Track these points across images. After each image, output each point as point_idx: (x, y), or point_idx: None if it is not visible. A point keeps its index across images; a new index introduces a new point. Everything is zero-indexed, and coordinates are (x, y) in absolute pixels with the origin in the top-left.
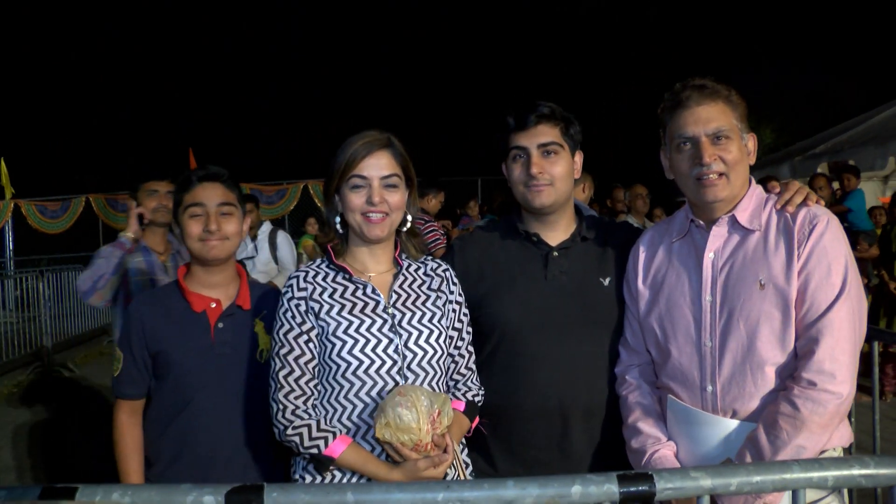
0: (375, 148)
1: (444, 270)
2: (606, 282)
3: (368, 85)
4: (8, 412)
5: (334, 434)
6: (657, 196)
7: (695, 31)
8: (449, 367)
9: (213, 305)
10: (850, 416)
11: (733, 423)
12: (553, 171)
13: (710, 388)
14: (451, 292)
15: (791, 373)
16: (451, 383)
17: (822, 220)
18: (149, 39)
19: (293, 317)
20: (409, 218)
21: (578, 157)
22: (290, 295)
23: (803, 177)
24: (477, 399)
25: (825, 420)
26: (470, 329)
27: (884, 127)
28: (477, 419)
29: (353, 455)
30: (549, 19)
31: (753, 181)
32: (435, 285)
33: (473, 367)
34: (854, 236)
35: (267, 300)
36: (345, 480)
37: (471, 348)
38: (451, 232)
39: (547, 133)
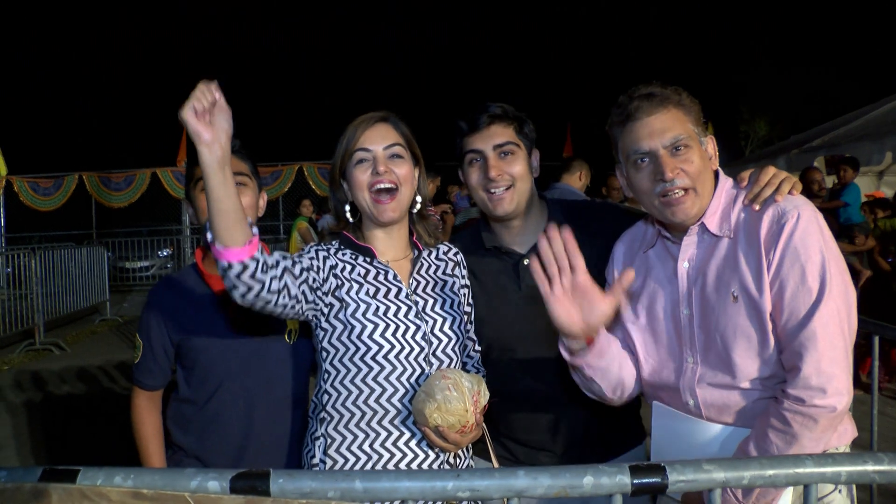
0: (374, 122)
1: (454, 254)
2: None
3: (364, 67)
4: None
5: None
6: None
7: (692, 22)
8: (462, 352)
9: None
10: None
11: (721, 429)
12: (512, 171)
13: (691, 401)
14: (463, 276)
15: (779, 381)
16: (461, 366)
17: (791, 216)
18: (144, 18)
19: (312, 258)
20: (420, 199)
21: (535, 157)
22: (312, 254)
23: (799, 170)
24: (485, 379)
25: (817, 433)
26: (473, 313)
27: (881, 122)
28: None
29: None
30: (549, 8)
31: (721, 177)
32: (449, 270)
33: (479, 349)
34: (849, 230)
35: None
36: (379, 462)
37: (474, 334)
38: (447, 218)
39: (501, 133)
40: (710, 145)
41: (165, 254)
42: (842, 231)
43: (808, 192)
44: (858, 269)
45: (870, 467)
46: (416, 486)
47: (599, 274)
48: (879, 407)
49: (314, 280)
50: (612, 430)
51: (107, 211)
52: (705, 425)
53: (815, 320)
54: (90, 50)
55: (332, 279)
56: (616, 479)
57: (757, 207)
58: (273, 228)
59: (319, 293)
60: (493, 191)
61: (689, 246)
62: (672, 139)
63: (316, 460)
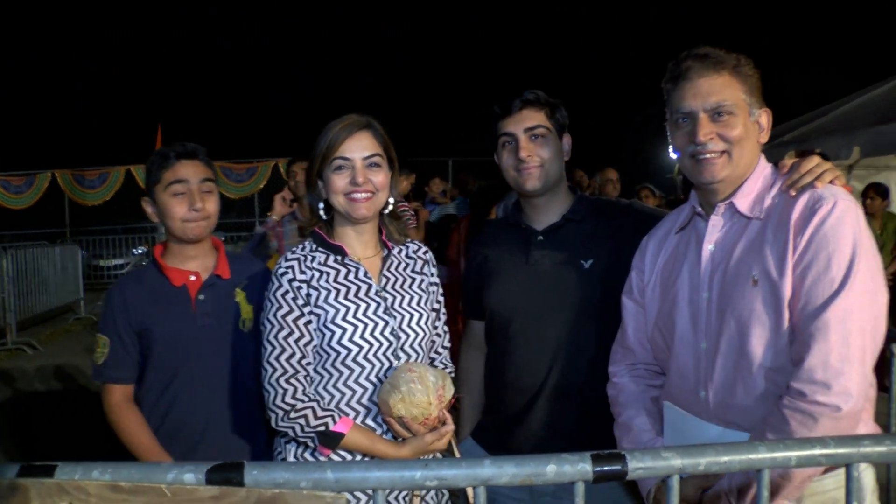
0: (356, 129)
1: (424, 252)
2: (587, 264)
3: (339, 64)
4: None
5: (335, 415)
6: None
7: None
8: (429, 348)
9: (193, 278)
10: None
11: (724, 432)
12: (541, 154)
13: (702, 393)
14: (431, 274)
15: (787, 379)
16: (428, 361)
17: (827, 203)
18: (118, 14)
19: (294, 298)
20: (392, 200)
21: (566, 140)
22: (290, 276)
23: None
24: (452, 375)
25: (817, 435)
26: (444, 310)
27: (850, 118)
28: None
29: (359, 435)
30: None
31: (763, 160)
32: (417, 268)
33: (448, 345)
34: None
35: (246, 269)
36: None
37: (445, 328)
38: (420, 213)
39: (532, 117)
40: (764, 117)
41: (140, 251)
42: None
43: None
44: None
45: (817, 451)
46: (385, 476)
47: (622, 266)
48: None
49: (310, 314)
50: (606, 427)
51: (81, 209)
52: (710, 427)
53: (831, 311)
54: (65, 47)
55: (311, 293)
56: (578, 467)
57: (794, 193)
58: (248, 226)
59: (312, 314)
60: (522, 169)
61: (716, 227)
62: (715, 104)
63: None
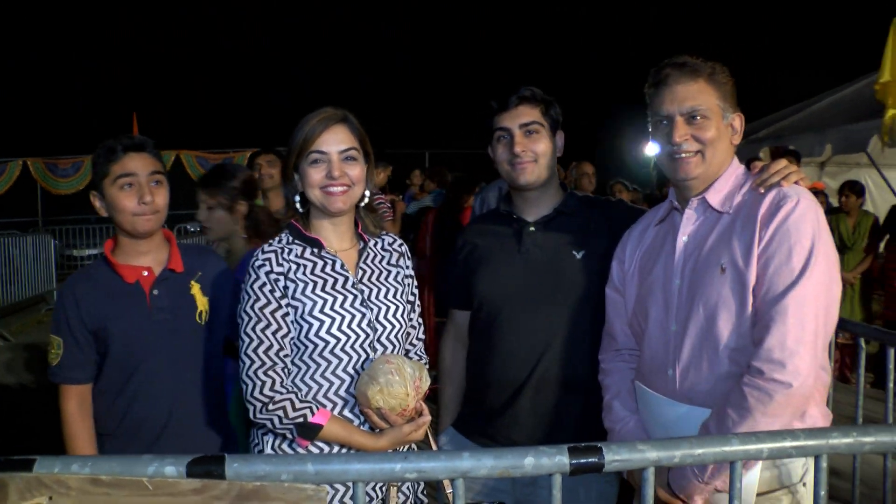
0: (332, 123)
1: (399, 245)
2: (579, 255)
3: (339, 64)
4: None
5: (313, 406)
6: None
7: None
8: (405, 339)
9: (146, 274)
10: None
11: (689, 409)
12: (535, 149)
13: (670, 371)
14: (407, 266)
15: (748, 360)
16: (404, 353)
17: (791, 200)
18: (118, 13)
19: (272, 291)
20: (367, 193)
21: (560, 137)
22: (267, 269)
23: (743, 160)
24: (427, 366)
25: (772, 409)
26: (419, 303)
27: (822, 114)
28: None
29: (337, 426)
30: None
31: (736, 161)
32: (393, 260)
33: (422, 336)
34: None
35: (199, 261)
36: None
37: (420, 320)
38: (397, 206)
39: (528, 113)
40: (737, 121)
41: None
42: None
43: None
44: None
45: (788, 443)
46: (365, 468)
47: (612, 259)
48: (834, 396)
49: (288, 307)
50: (595, 416)
51: (54, 198)
52: (675, 406)
53: (790, 298)
54: (37, 33)
55: (288, 285)
56: (555, 459)
57: (762, 190)
58: None
59: (290, 306)
60: (516, 163)
61: (690, 220)
62: (690, 108)
63: (281, 453)
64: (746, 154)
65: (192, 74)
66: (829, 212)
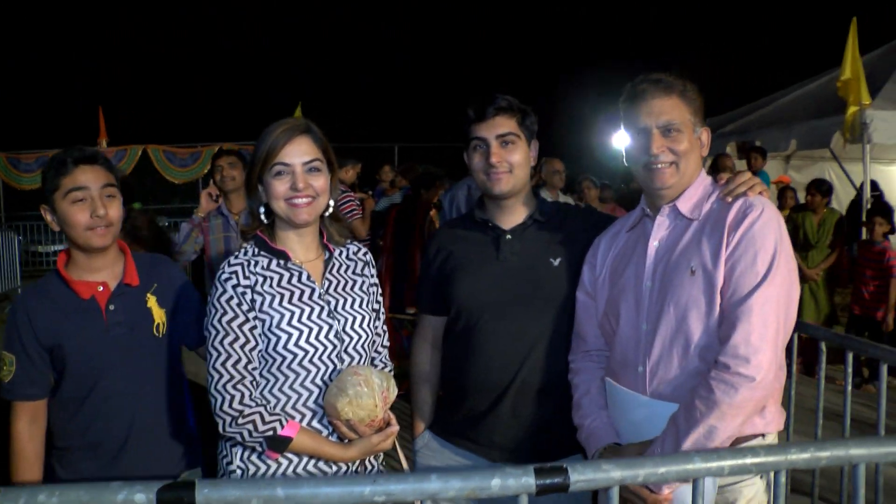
0: (295, 134)
1: (364, 254)
2: (556, 262)
3: (284, 47)
4: None
5: (282, 419)
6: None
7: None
8: (371, 348)
9: (101, 289)
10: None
11: (657, 403)
12: (511, 159)
13: (640, 368)
14: (371, 275)
15: (715, 356)
16: (370, 360)
17: (756, 208)
18: (117, 13)
19: (238, 304)
20: (332, 203)
21: (534, 146)
22: (234, 282)
23: (711, 155)
24: (392, 374)
25: (737, 402)
26: (383, 310)
27: (787, 110)
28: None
29: (307, 438)
30: None
31: (703, 172)
32: (358, 269)
33: (387, 343)
34: None
35: (155, 273)
36: (299, 465)
37: (384, 327)
38: (366, 202)
39: (504, 124)
40: (705, 135)
41: None
42: None
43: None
44: None
45: (748, 460)
46: (335, 492)
47: (579, 269)
48: (797, 388)
49: (255, 319)
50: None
51: (16, 193)
52: (644, 400)
53: (754, 299)
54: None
55: (255, 298)
56: (521, 480)
57: (729, 199)
58: (193, 211)
59: (257, 319)
60: (492, 173)
61: (661, 226)
62: (666, 122)
63: (233, 467)
64: (715, 148)
65: (193, 74)
66: (796, 209)
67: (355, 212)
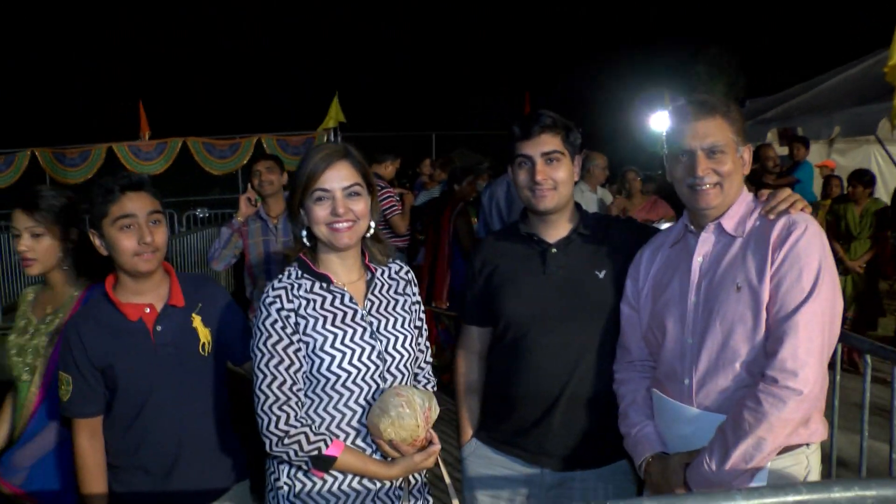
0: (335, 160)
1: (406, 273)
2: (602, 274)
3: (319, 38)
4: None
5: (327, 438)
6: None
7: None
8: (413, 367)
9: (148, 311)
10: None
11: (704, 414)
12: (556, 177)
13: (687, 381)
14: (413, 293)
15: (761, 370)
16: (413, 376)
17: (800, 226)
18: (117, 12)
19: (283, 328)
20: (373, 225)
21: (578, 161)
22: (278, 305)
23: (753, 141)
24: (435, 390)
25: (785, 415)
26: (426, 327)
27: (830, 96)
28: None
29: (351, 456)
30: None
31: (745, 190)
32: (401, 289)
33: (430, 359)
34: None
35: (199, 292)
36: (344, 482)
37: (427, 343)
38: (406, 198)
39: (549, 142)
40: (747, 153)
41: None
42: None
43: (763, 168)
44: None
45: (790, 497)
46: None
47: (623, 280)
48: (842, 381)
49: (299, 342)
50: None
51: (62, 187)
52: (691, 411)
53: (801, 314)
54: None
55: (299, 321)
56: None
57: (772, 217)
58: (233, 202)
59: (301, 342)
60: (537, 190)
61: (705, 242)
62: (711, 144)
63: (280, 483)
64: (755, 136)
65: (193, 74)
66: (838, 199)
67: (395, 207)
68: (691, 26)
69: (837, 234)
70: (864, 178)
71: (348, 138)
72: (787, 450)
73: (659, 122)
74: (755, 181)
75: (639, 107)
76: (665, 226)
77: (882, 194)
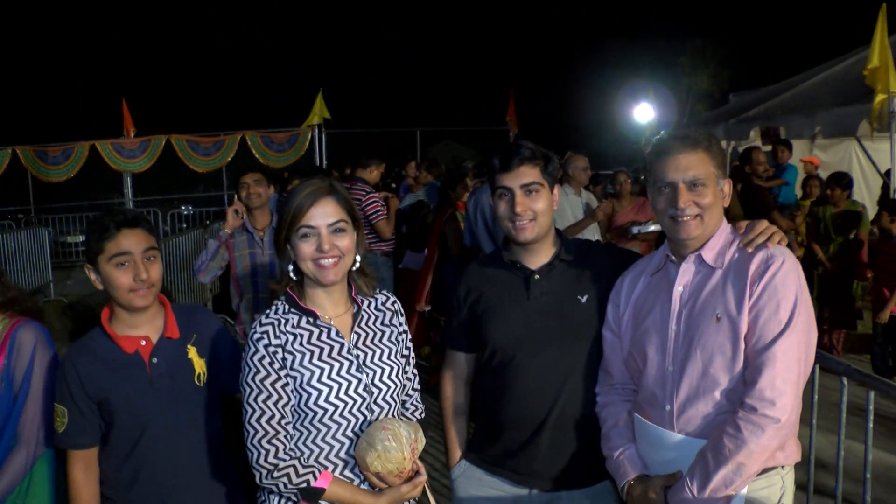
0: (320, 196)
1: (392, 303)
2: (584, 299)
3: (304, 34)
4: None
5: (316, 470)
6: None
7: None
8: (400, 396)
9: (144, 343)
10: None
11: (686, 440)
12: (535, 207)
13: (668, 407)
14: (400, 324)
15: (739, 397)
16: (401, 403)
17: (777, 260)
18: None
19: (270, 363)
20: (359, 259)
21: (556, 190)
22: (266, 342)
23: (736, 139)
24: (423, 417)
25: (764, 442)
26: (413, 355)
27: (811, 95)
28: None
29: (340, 487)
30: None
31: (725, 221)
32: (387, 320)
33: (418, 387)
34: (788, 209)
35: (194, 323)
36: None
37: (415, 371)
38: (391, 202)
39: (528, 174)
40: (727, 186)
41: None
42: (781, 209)
43: (753, 172)
44: (794, 247)
45: None
46: None
47: (605, 304)
48: (820, 381)
49: (287, 377)
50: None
51: (44, 185)
52: (673, 436)
53: (778, 346)
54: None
55: (286, 356)
56: None
57: (750, 250)
58: (217, 199)
59: (288, 377)
60: (517, 222)
61: (686, 273)
62: (692, 177)
63: None
64: (738, 134)
65: (177, 72)
66: (817, 202)
67: (380, 213)
68: (676, 19)
69: (817, 235)
70: (842, 181)
71: (333, 135)
72: (763, 472)
73: (642, 113)
74: (745, 183)
75: (623, 99)
76: (653, 227)
77: (863, 190)
